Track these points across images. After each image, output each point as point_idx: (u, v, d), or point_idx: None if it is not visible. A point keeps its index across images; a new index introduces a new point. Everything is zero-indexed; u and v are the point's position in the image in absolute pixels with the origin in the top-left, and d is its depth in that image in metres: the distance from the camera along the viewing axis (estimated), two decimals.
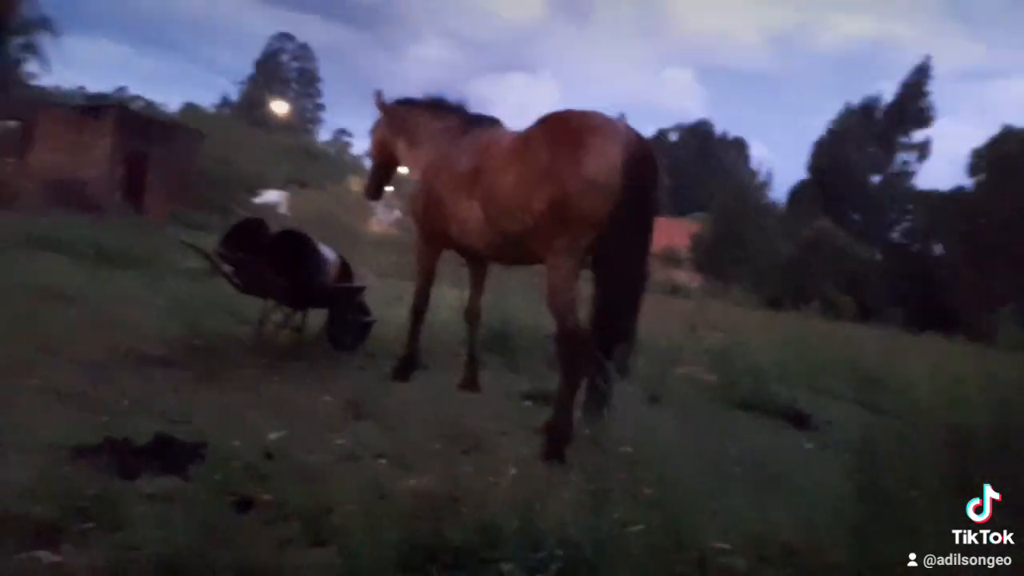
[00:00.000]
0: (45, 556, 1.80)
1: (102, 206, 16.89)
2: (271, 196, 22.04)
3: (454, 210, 4.51)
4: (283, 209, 20.70)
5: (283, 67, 50.38)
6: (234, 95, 47.95)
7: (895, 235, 33.25)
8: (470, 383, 5.04)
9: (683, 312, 12.35)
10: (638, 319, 4.02)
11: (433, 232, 4.85)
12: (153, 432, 2.85)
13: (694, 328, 9.86)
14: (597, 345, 3.75)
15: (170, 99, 60.19)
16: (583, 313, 3.91)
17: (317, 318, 5.76)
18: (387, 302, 6.50)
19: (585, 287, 3.96)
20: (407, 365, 5.09)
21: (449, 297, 6.09)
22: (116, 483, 2.32)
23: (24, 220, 11.19)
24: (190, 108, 40.66)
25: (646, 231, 3.92)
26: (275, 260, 5.09)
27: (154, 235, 11.40)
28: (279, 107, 41.87)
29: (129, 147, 20.38)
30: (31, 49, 27.30)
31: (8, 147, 19.48)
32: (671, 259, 24.61)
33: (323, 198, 22.29)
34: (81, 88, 29.69)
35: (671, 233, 23.83)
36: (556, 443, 3.62)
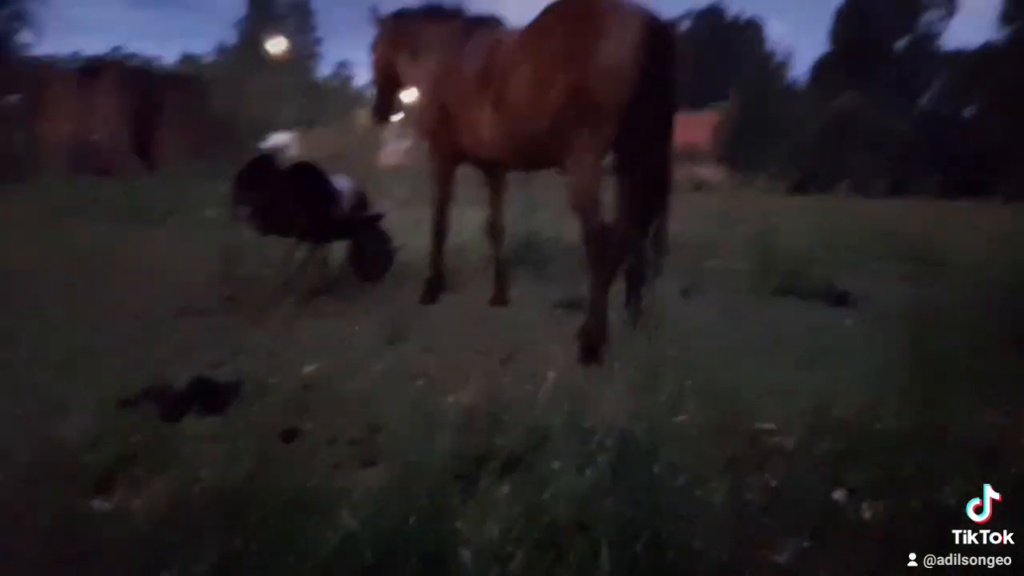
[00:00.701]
0: (99, 504, 1.83)
1: (116, 166, 16.91)
2: (280, 139, 21.85)
3: (464, 119, 4.35)
4: (293, 150, 20.53)
5: (275, 3, 49.05)
6: (230, 39, 46.93)
7: (924, 101, 31.88)
8: (500, 298, 5.00)
9: (709, 207, 12.10)
10: (669, 215, 3.89)
11: (445, 146, 4.70)
12: (191, 377, 2.88)
13: (722, 219, 9.68)
14: (628, 245, 3.66)
15: (167, 52, 59.32)
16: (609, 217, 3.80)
17: (342, 251, 5.73)
18: (408, 229, 6.45)
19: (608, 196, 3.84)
20: (434, 287, 5.06)
21: (471, 216, 6.01)
22: (161, 428, 2.35)
23: (44, 190, 11.26)
24: (188, 59, 40.11)
25: (669, 118, 3.75)
26: (289, 196, 5.02)
27: (170, 188, 11.41)
28: (277, 45, 40.81)
29: (133, 104, 20.28)
30: (21, 19, 26.81)
31: (15, 121, 19.44)
32: (693, 154, 24.00)
33: (331, 135, 22.00)
34: (77, 53, 29.32)
35: (691, 128, 23.13)
36: (592, 345, 3.59)
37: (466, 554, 1.64)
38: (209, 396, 2.65)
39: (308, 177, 5.22)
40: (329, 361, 3.22)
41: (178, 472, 1.98)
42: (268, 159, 5.59)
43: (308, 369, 2.93)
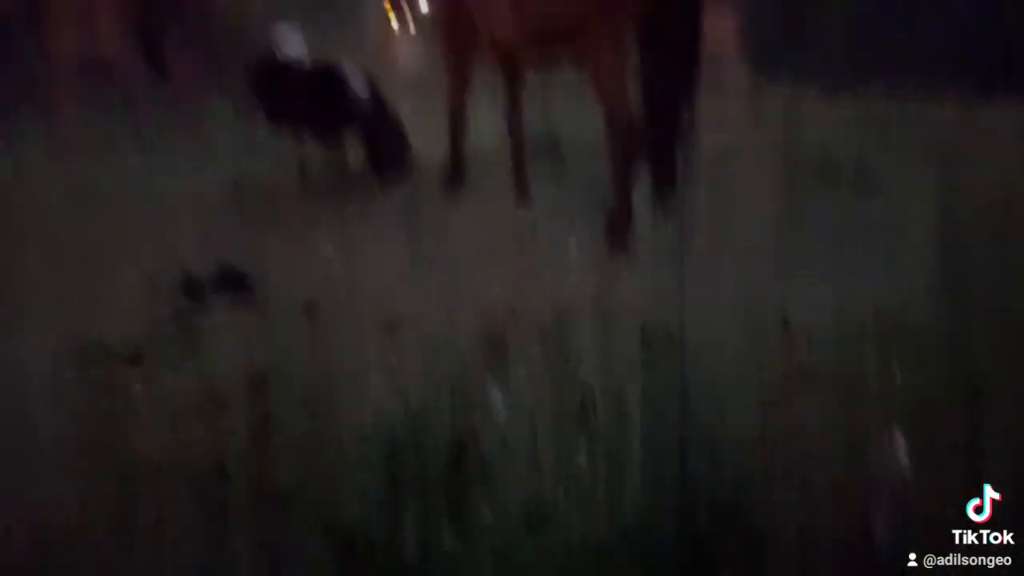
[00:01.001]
0: (134, 378, 1.87)
1: (130, 84, 16.68)
2: (293, 40, 21.36)
3: (481, 11, 4.24)
4: (305, 51, 20.15)
5: None
6: None
7: None
8: (521, 194, 4.95)
9: (734, 108, 11.75)
10: (698, 109, 3.83)
11: (461, 35, 4.62)
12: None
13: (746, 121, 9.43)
14: (651, 137, 3.63)
15: None
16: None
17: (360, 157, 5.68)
18: (424, 130, 6.36)
19: None
20: (454, 178, 5.03)
21: (490, 117, 5.91)
22: (189, 313, 2.39)
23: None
24: None
25: (694, 10, 3.66)
26: (302, 92, 4.99)
27: (187, 110, 11.30)
28: None
29: (143, 11, 19.87)
30: None
31: (21, 37, 19.11)
32: (719, 50, 23.23)
33: (344, 34, 21.53)
34: None
35: (716, 23, 22.18)
36: (619, 233, 3.60)
37: (497, 424, 1.65)
38: (234, 281, 2.70)
39: (322, 74, 5.16)
40: (351, 252, 3.23)
41: (208, 352, 2.02)
42: (281, 57, 5.54)
43: (330, 257, 2.94)
